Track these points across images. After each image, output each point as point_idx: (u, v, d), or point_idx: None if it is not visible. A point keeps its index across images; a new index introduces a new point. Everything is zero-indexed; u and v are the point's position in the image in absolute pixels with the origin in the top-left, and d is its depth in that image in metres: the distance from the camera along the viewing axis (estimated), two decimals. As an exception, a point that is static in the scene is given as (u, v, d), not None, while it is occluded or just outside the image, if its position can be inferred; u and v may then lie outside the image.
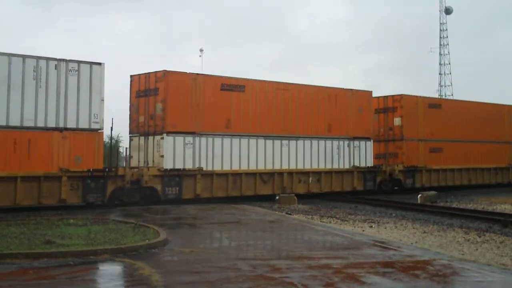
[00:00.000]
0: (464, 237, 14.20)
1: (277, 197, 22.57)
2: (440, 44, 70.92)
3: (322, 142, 25.67)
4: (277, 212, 19.37)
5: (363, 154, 27.01)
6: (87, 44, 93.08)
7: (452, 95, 68.00)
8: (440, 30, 71.07)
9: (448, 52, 70.81)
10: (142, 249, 11.03)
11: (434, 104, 31.01)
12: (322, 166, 25.61)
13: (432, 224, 16.81)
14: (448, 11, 69.91)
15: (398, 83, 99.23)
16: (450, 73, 70.59)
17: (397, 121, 29.11)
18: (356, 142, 26.79)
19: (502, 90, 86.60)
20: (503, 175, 34.32)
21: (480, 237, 14.34)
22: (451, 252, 11.86)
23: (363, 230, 15.27)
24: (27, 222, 14.38)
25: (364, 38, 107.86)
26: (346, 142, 26.44)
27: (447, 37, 70.74)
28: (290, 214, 18.99)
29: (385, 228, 15.93)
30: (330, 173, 25.92)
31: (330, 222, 17.07)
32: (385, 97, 29.97)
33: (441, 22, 70.96)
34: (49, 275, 9.03)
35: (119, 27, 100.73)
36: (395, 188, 29.04)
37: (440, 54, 70.88)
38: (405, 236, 14.25)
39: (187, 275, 9.16)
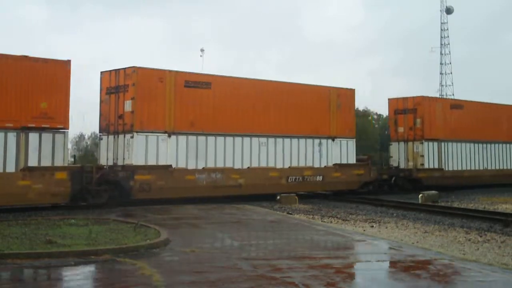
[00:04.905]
0: (465, 237, 14.19)
1: (278, 197, 22.57)
2: (441, 44, 70.98)
3: None
4: (278, 212, 19.36)
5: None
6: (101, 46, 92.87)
7: (453, 94, 68.03)
8: (441, 29, 71.18)
9: (449, 52, 70.87)
10: (143, 249, 11.03)
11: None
12: None
13: (433, 224, 16.80)
14: (449, 10, 69.97)
15: (402, 82, 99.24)
16: (451, 73, 70.66)
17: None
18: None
19: (503, 90, 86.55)
20: None
21: (481, 236, 14.32)
22: (452, 252, 11.85)
23: (364, 230, 15.26)
24: (28, 222, 14.40)
25: (367, 38, 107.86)
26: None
27: (448, 36, 70.82)
28: (291, 214, 18.98)
29: (386, 228, 15.92)
30: None
31: (331, 222, 17.06)
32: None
33: (442, 21, 71.08)
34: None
35: (125, 29, 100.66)
36: None
37: (441, 53, 70.95)
38: (406, 236, 14.24)
39: (188, 275, 9.16)
